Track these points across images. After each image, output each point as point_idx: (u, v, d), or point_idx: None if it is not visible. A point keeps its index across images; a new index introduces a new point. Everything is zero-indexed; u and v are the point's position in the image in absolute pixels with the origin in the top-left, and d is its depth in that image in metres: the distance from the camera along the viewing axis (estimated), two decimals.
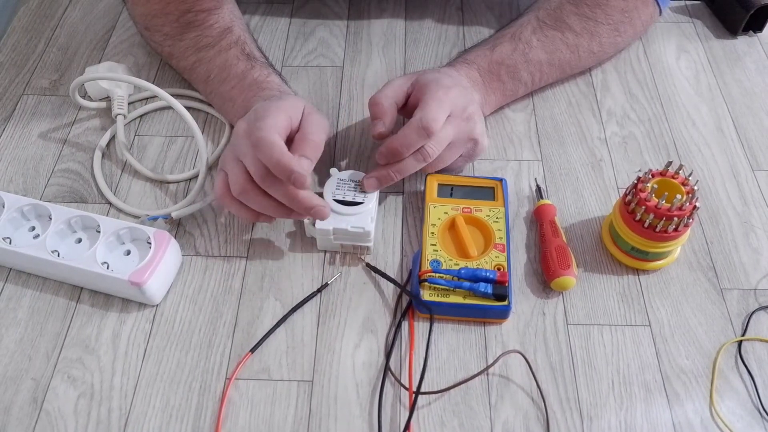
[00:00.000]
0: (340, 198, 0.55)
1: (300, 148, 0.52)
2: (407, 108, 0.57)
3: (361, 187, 0.56)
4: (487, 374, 0.50)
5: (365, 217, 0.54)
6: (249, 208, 0.53)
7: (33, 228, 0.56)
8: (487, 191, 0.58)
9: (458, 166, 0.60)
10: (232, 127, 0.65)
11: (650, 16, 0.69)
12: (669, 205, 0.51)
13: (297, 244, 0.57)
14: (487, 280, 0.51)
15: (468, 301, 0.51)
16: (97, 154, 0.63)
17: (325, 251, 0.57)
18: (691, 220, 0.52)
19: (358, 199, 0.55)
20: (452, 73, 0.59)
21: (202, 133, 0.64)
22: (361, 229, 0.54)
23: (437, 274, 0.52)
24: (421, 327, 0.52)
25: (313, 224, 0.54)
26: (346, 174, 0.57)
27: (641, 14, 0.68)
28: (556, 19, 0.64)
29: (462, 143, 0.57)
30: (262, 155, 0.50)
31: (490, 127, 0.66)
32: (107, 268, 0.52)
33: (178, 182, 0.62)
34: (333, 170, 0.57)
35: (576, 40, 0.65)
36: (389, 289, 0.55)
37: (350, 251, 0.56)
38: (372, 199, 0.55)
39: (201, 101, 0.68)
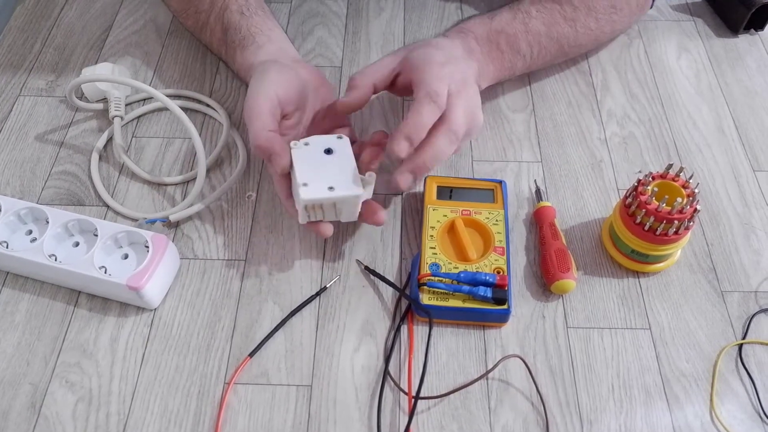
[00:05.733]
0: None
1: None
2: (396, 87, 0.56)
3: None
4: (487, 378, 0.50)
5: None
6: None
7: (30, 231, 0.56)
8: (486, 193, 0.58)
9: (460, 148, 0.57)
10: None
11: (643, 1, 0.69)
12: (669, 208, 0.50)
13: (296, 247, 0.57)
14: (486, 284, 0.51)
15: (467, 304, 0.51)
16: (95, 157, 0.63)
17: (323, 254, 0.57)
18: (691, 223, 0.51)
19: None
20: (444, 45, 0.56)
21: (200, 134, 0.64)
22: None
23: (436, 278, 0.52)
24: (420, 331, 0.52)
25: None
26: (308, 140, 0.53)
27: None
28: None
29: (467, 118, 0.52)
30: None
31: (489, 128, 0.66)
32: (105, 272, 0.52)
33: (175, 184, 0.61)
34: (293, 143, 0.52)
35: (574, 14, 0.63)
36: (388, 292, 0.54)
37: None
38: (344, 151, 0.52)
39: (198, 102, 0.68)
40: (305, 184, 0.49)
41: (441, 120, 0.51)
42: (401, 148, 0.49)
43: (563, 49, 0.65)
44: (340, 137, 0.53)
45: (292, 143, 0.52)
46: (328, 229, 0.53)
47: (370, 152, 0.54)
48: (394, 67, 0.55)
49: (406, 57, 0.55)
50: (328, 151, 0.52)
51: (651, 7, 0.72)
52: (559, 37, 0.63)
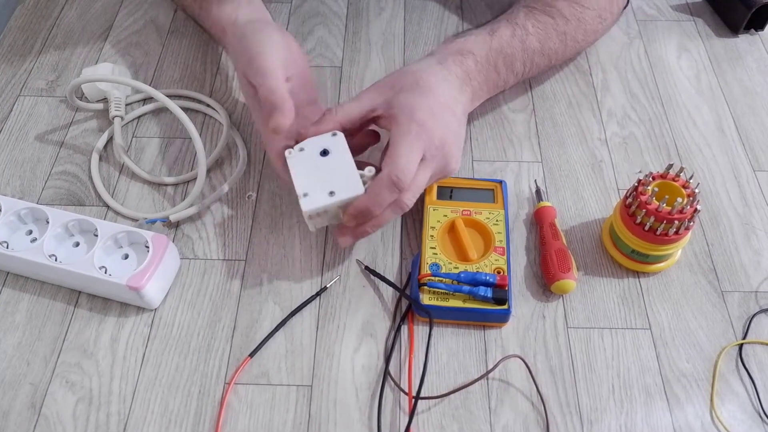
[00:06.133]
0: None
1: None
2: (378, 125, 0.55)
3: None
4: (487, 378, 0.50)
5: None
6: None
7: (30, 232, 0.56)
8: (486, 193, 0.58)
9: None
10: None
11: (622, 5, 0.69)
12: (670, 208, 0.50)
13: (296, 247, 0.57)
14: (486, 284, 0.51)
15: (468, 305, 0.51)
16: (95, 157, 0.63)
17: (324, 254, 0.57)
18: (692, 223, 0.51)
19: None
20: (434, 83, 0.53)
21: (200, 134, 0.64)
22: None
23: (437, 278, 0.52)
24: (420, 331, 0.52)
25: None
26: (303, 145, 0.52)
27: (618, 1, 0.68)
28: (546, 5, 0.62)
29: (435, 178, 0.54)
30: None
31: (490, 128, 0.66)
32: (105, 272, 0.52)
33: (176, 184, 0.61)
34: (288, 151, 0.52)
35: (565, 27, 0.63)
36: (389, 292, 0.54)
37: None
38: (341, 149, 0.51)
39: (198, 102, 0.68)
40: (305, 194, 0.49)
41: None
42: (350, 223, 0.51)
43: (551, 63, 0.65)
44: (334, 134, 0.52)
45: (287, 151, 0.52)
46: (346, 242, 0.53)
47: (360, 138, 0.55)
48: (373, 107, 0.53)
49: (389, 102, 0.52)
50: (325, 153, 0.51)
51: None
52: (550, 53, 0.63)
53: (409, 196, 0.50)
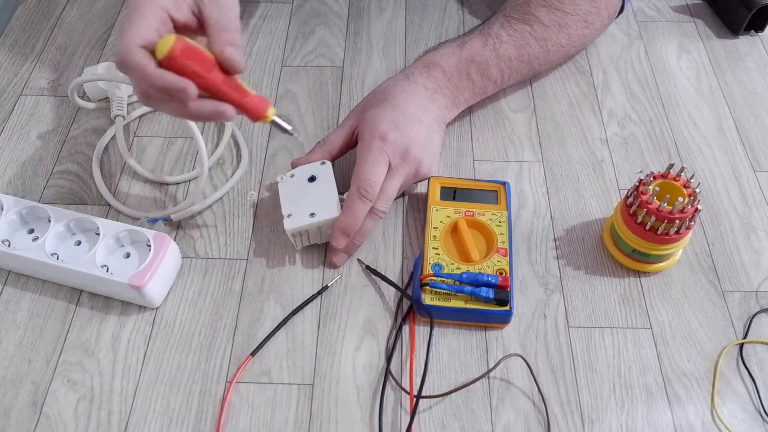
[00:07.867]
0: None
1: (222, 41, 0.44)
2: (357, 142, 0.58)
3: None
4: (488, 377, 0.50)
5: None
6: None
7: (32, 230, 0.56)
8: (490, 195, 0.58)
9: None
10: None
11: (615, 8, 0.69)
12: (671, 207, 0.50)
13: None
14: (488, 285, 0.51)
15: (469, 305, 0.51)
16: (96, 156, 0.63)
17: (325, 253, 0.57)
18: (692, 223, 0.52)
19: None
20: (400, 97, 0.57)
21: (202, 133, 0.64)
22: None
23: (439, 278, 0.52)
24: (422, 330, 0.52)
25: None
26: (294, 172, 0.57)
27: (608, 5, 0.67)
28: (524, 13, 0.63)
29: (409, 183, 0.57)
30: (138, 83, 0.43)
31: (491, 128, 0.66)
32: (107, 271, 0.52)
33: (177, 184, 0.62)
34: (279, 177, 0.57)
35: (545, 33, 0.63)
36: (390, 291, 0.55)
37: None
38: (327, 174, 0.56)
39: None
40: (289, 215, 0.54)
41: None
42: (339, 242, 0.54)
43: (534, 68, 0.66)
44: (323, 162, 0.57)
45: (278, 177, 0.57)
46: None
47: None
48: (352, 130, 0.58)
49: (359, 120, 0.57)
50: (312, 179, 0.56)
51: (616, 17, 0.73)
52: (530, 59, 0.64)
53: (381, 204, 0.54)
